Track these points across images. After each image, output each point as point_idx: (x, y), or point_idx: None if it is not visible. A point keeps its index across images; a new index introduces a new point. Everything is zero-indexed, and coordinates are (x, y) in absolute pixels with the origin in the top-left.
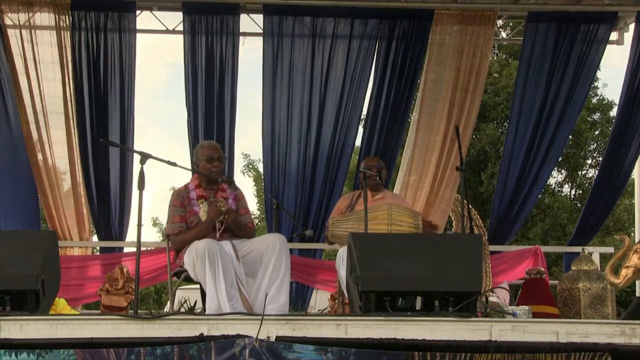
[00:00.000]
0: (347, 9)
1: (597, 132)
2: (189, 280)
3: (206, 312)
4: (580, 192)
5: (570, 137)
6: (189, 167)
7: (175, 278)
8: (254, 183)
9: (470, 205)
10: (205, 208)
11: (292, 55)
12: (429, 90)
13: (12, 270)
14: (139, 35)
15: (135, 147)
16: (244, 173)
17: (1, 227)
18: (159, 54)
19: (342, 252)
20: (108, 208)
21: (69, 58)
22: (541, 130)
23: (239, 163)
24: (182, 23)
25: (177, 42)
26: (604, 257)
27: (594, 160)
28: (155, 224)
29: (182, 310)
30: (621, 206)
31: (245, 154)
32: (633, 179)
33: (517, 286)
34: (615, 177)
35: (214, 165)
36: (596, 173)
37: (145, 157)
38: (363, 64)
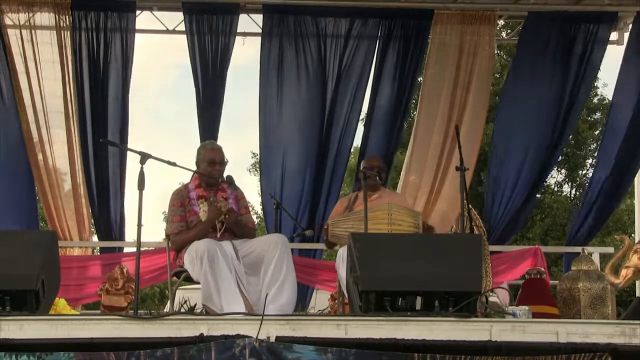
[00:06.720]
0: (347, 8)
1: (597, 132)
2: (189, 280)
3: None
4: (581, 191)
5: (570, 136)
6: (190, 166)
7: (175, 278)
8: (259, 182)
9: (470, 205)
10: (205, 208)
11: (292, 55)
12: (429, 90)
13: (12, 270)
14: (147, 35)
15: (143, 147)
16: (250, 171)
17: (1, 227)
18: (167, 53)
19: (342, 252)
20: (108, 208)
21: (69, 57)
22: None
23: (246, 161)
24: (182, 23)
25: (184, 42)
26: (604, 257)
27: (594, 160)
28: (165, 219)
29: (182, 310)
30: (621, 206)
31: (254, 153)
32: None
33: (517, 286)
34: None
35: (215, 169)
36: None
37: (145, 157)
38: (363, 63)
